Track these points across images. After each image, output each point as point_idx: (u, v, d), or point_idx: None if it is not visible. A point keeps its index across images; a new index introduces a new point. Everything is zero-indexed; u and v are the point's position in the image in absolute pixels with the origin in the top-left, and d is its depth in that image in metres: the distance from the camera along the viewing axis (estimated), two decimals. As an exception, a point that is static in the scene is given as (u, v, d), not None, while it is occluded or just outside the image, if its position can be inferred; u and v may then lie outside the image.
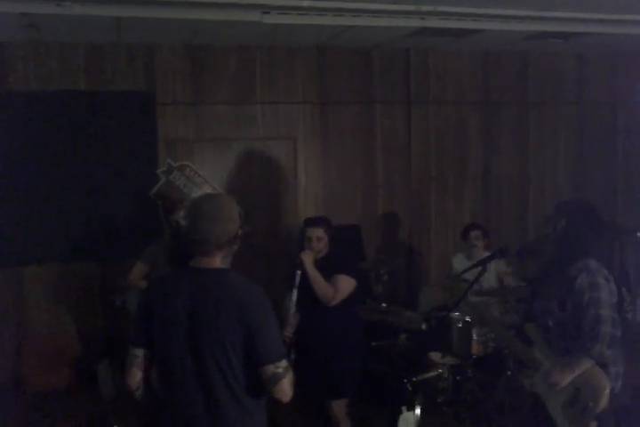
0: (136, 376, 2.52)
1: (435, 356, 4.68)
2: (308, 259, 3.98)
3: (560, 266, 3.14)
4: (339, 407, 4.10)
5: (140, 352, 2.52)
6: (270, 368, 2.35)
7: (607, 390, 2.85)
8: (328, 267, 4.04)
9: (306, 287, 3.92)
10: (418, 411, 4.10)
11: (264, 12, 4.87)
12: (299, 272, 3.91)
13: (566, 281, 3.05)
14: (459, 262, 5.43)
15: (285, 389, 2.38)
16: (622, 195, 7.29)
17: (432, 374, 4.54)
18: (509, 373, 4.27)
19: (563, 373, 2.96)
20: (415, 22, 5.23)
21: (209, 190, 5.98)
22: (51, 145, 5.63)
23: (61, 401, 5.24)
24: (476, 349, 4.59)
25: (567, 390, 2.96)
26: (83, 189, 5.72)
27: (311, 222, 4.20)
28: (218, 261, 2.49)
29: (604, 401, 2.85)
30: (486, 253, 4.86)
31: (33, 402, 5.24)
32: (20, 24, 4.90)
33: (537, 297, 3.30)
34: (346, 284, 4.05)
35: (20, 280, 5.69)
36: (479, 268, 3.73)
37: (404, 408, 4.09)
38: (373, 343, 4.89)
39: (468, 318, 4.59)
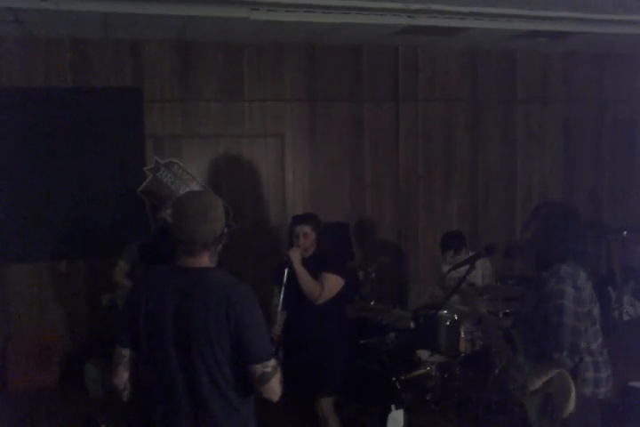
0: (123, 376, 2.50)
1: (423, 354, 4.68)
2: (295, 256, 3.96)
3: (537, 272, 3.13)
4: (327, 405, 4.09)
5: (126, 352, 2.50)
6: (259, 368, 2.34)
7: (572, 396, 2.84)
8: (316, 265, 4.03)
9: (293, 285, 3.91)
10: (406, 409, 4.11)
11: (252, 9, 4.85)
12: (286, 270, 3.90)
13: (539, 287, 3.04)
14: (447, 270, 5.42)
15: (274, 388, 2.38)
16: (609, 193, 7.33)
17: (420, 372, 4.54)
18: (497, 371, 4.28)
19: (531, 379, 2.97)
20: (404, 20, 5.24)
21: (197, 188, 5.94)
22: (36, 142, 5.58)
23: (48, 400, 5.20)
24: (463, 346, 4.60)
25: (541, 395, 2.97)
26: (69, 186, 5.67)
27: (298, 219, 4.18)
28: (205, 259, 2.47)
29: (569, 406, 2.84)
30: None
31: (19, 401, 5.19)
32: (5, 19, 4.85)
33: (522, 304, 3.30)
34: (333, 282, 4.04)
35: (5, 279, 5.64)
36: (466, 266, 3.72)
37: (392, 406, 4.09)
38: (362, 341, 4.88)
39: (456, 317, 4.59)
